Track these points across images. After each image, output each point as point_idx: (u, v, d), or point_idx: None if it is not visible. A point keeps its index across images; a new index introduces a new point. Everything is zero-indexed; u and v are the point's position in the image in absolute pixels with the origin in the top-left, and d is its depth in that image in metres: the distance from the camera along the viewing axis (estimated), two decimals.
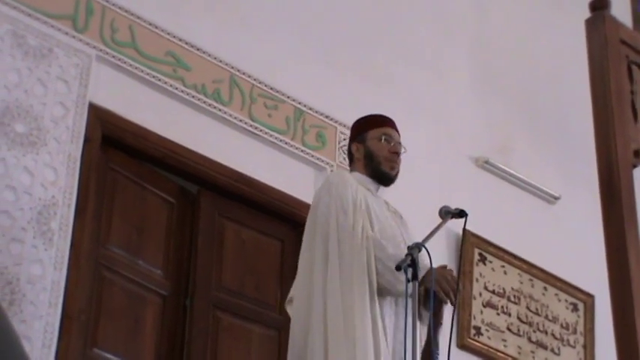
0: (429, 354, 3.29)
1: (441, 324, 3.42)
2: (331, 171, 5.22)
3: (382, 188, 3.85)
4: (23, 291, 3.93)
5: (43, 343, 3.92)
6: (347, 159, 4.00)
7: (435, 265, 3.37)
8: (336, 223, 3.54)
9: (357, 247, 3.47)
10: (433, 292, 3.32)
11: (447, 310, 3.55)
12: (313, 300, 3.48)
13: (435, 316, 3.33)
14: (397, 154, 3.80)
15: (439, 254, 4.06)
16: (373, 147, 3.81)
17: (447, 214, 3.58)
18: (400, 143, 3.85)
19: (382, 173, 3.79)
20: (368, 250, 3.47)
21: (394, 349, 3.43)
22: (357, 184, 3.73)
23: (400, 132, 3.93)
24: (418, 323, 3.25)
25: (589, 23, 3.06)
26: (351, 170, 3.87)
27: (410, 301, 3.22)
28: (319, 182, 5.21)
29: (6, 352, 1.25)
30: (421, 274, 3.27)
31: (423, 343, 3.41)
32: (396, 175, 3.83)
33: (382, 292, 3.48)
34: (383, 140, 3.81)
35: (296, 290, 3.61)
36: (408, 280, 3.21)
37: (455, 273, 3.51)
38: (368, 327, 3.38)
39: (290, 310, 3.60)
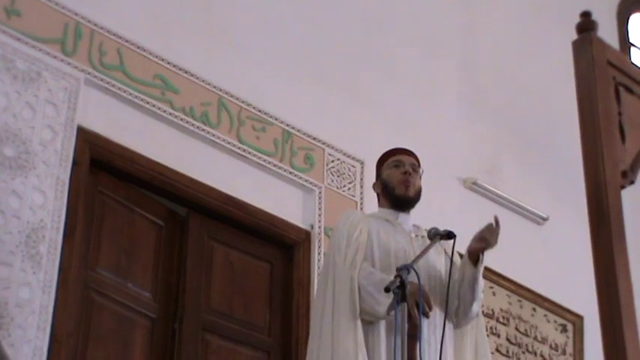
0: None
1: (416, 337, 3.41)
2: (319, 193, 5.24)
3: (407, 214, 3.83)
4: (12, 315, 3.91)
5: None
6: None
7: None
8: (333, 261, 3.66)
9: (345, 278, 3.56)
10: (416, 306, 3.35)
11: (434, 331, 3.56)
12: (316, 329, 3.65)
13: (413, 331, 3.33)
14: (408, 173, 3.79)
15: None
16: (386, 177, 3.84)
17: (435, 235, 3.59)
18: (415, 164, 3.85)
19: (398, 197, 3.80)
20: (352, 279, 3.54)
21: None
22: (367, 217, 3.80)
23: None
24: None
25: (576, 45, 3.08)
26: (379, 207, 3.89)
27: (400, 320, 3.23)
28: (307, 204, 5.23)
29: None
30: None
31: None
32: (415, 195, 3.80)
33: (367, 316, 3.52)
34: (394, 167, 3.83)
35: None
36: (397, 302, 3.22)
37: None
38: (351, 348, 3.43)
39: None
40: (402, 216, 3.80)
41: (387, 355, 3.47)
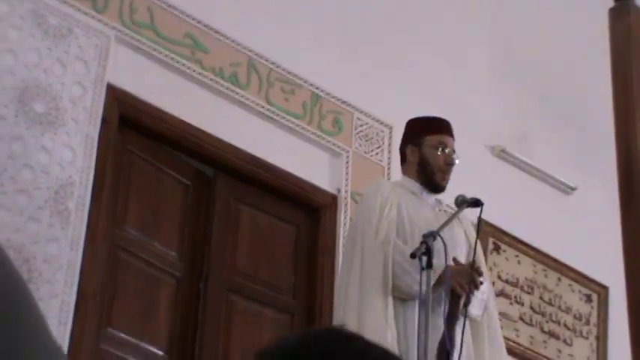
0: (443, 351, 3.28)
1: (458, 318, 3.40)
2: (347, 157, 5.23)
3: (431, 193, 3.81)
4: (40, 270, 3.95)
5: (59, 321, 3.94)
6: (400, 158, 3.96)
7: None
8: (362, 232, 3.63)
9: (376, 253, 3.53)
10: (449, 288, 3.33)
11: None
12: (341, 300, 3.67)
13: (452, 312, 3.32)
14: (452, 165, 3.76)
15: None
16: (429, 155, 3.78)
17: (462, 202, 3.58)
18: (454, 151, 3.82)
19: (435, 184, 3.78)
20: (386, 255, 3.51)
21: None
22: (395, 189, 3.76)
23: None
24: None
25: (613, 13, 3.03)
26: (403, 172, 3.85)
27: (425, 288, 3.22)
28: (335, 168, 5.22)
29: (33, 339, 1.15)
30: (435, 276, 3.29)
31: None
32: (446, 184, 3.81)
33: (402, 294, 3.48)
34: (439, 150, 3.77)
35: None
36: (422, 268, 3.22)
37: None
38: (380, 325, 3.40)
39: None
40: (427, 192, 3.78)
41: (417, 332, 3.44)
